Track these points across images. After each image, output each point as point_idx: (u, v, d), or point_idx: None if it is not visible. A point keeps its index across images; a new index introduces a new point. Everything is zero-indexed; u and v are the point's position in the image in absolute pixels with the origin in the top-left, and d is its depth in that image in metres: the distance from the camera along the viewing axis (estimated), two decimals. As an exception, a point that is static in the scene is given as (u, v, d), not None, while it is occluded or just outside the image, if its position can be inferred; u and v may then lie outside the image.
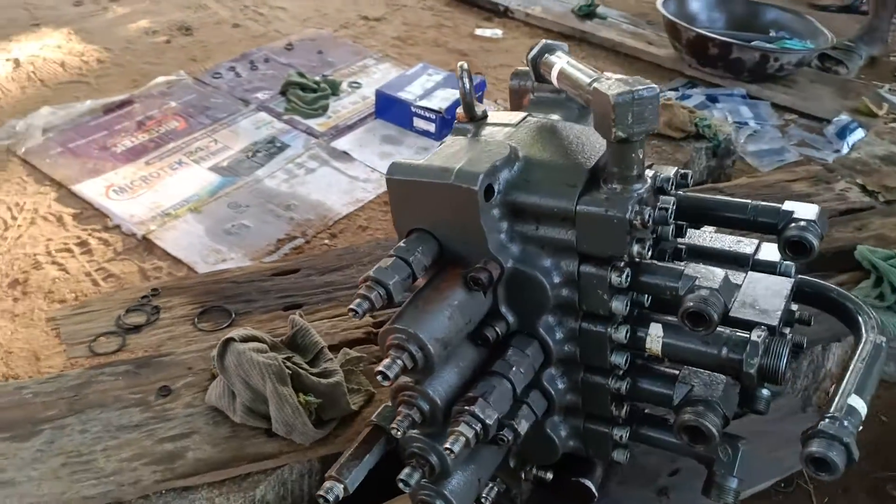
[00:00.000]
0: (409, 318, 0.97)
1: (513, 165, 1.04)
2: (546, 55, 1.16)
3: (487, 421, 0.98)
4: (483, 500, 1.22)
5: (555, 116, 1.22)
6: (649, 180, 1.01)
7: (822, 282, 1.26)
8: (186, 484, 1.35)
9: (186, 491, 1.36)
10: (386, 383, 0.94)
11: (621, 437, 1.16)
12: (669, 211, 1.05)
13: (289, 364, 1.43)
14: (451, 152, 1.06)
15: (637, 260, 1.00)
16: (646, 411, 1.21)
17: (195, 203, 2.54)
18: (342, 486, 1.01)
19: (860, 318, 1.18)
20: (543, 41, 1.19)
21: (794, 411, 1.52)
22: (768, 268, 1.23)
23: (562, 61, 1.11)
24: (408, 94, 3.03)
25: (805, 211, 1.10)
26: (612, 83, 0.95)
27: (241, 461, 1.39)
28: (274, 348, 1.48)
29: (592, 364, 1.10)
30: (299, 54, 3.48)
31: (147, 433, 1.42)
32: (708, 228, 1.34)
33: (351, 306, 0.96)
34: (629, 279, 1.01)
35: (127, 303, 1.74)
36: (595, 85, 0.95)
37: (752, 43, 3.39)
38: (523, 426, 1.08)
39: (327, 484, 1.01)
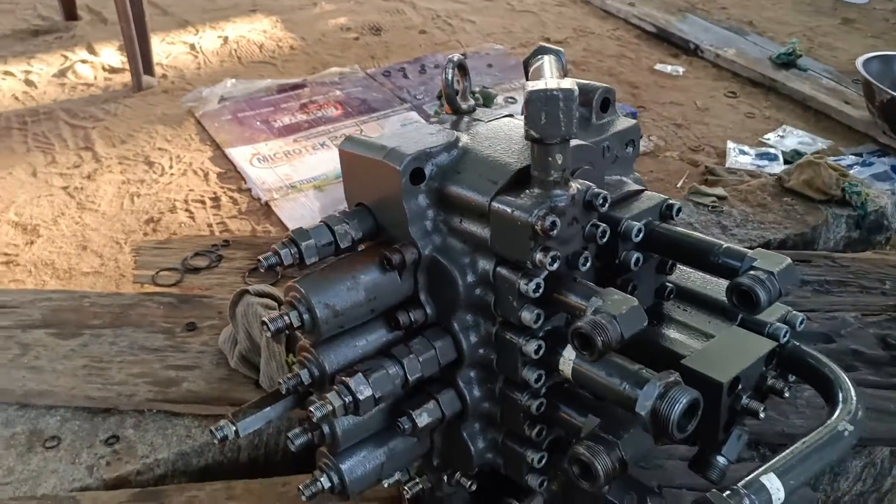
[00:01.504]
0: (309, 280, 1.00)
1: (451, 154, 1.03)
2: (537, 56, 1.13)
3: (359, 395, 0.98)
4: (405, 492, 1.22)
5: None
6: (574, 192, 0.95)
7: (807, 349, 1.10)
8: (173, 409, 1.48)
9: (173, 416, 1.48)
10: (267, 334, 0.98)
11: (534, 460, 1.09)
12: (601, 230, 0.98)
13: (288, 325, 1.50)
14: (402, 133, 1.08)
15: (548, 271, 0.95)
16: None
17: (321, 182, 2.73)
18: (234, 428, 1.06)
19: (839, 396, 1.02)
20: (539, 45, 1.16)
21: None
22: (756, 327, 1.11)
23: (542, 62, 1.08)
24: (553, 114, 3.01)
25: (769, 263, 0.98)
26: (541, 82, 0.91)
27: (224, 403, 1.49)
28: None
29: (507, 375, 1.06)
30: (470, 65, 3.59)
31: (160, 358, 1.57)
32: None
33: (260, 256, 1.01)
34: (540, 290, 0.96)
35: (199, 248, 1.92)
36: (529, 82, 0.92)
37: (959, 116, 2.96)
38: (424, 419, 1.07)
39: (221, 422, 1.06)
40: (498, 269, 1.00)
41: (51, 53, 3.51)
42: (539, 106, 0.88)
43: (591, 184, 0.97)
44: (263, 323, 0.98)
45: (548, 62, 1.08)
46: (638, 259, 1.09)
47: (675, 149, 3.10)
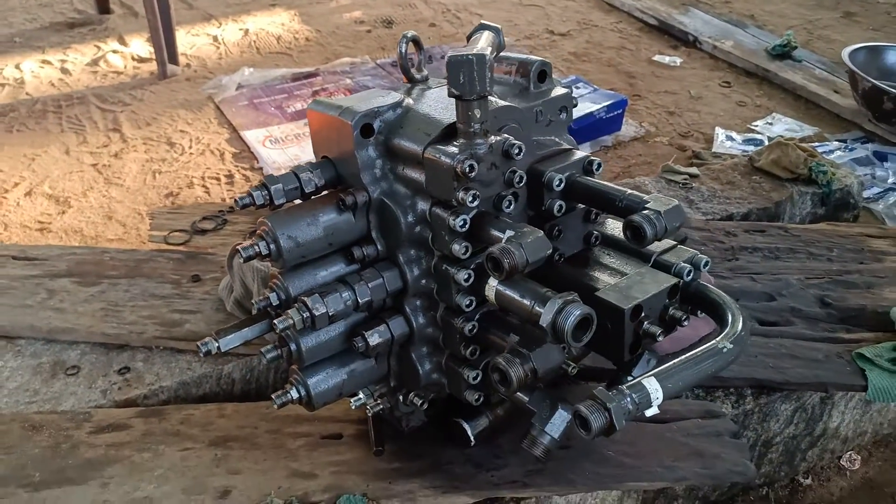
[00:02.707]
0: (276, 216, 1.21)
1: (396, 112, 1.22)
2: (476, 32, 1.32)
3: (314, 312, 1.18)
4: (367, 410, 1.41)
5: (495, 89, 1.37)
6: (493, 142, 1.13)
7: (708, 286, 1.28)
8: (176, 346, 1.70)
9: (177, 352, 1.70)
10: (240, 261, 1.18)
11: (471, 377, 1.28)
12: (517, 176, 1.17)
13: (276, 274, 1.71)
14: (358, 96, 1.27)
15: (470, 208, 1.14)
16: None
17: (327, 161, 2.93)
18: (216, 344, 1.26)
19: (728, 318, 1.20)
20: (480, 22, 1.35)
21: (719, 433, 1.50)
22: (665, 267, 1.29)
23: (479, 36, 1.27)
24: (548, 101, 3.18)
25: (658, 204, 1.16)
26: (464, 48, 1.10)
27: (221, 341, 1.69)
28: (275, 261, 1.77)
29: (445, 303, 1.25)
30: (475, 55, 3.78)
31: (167, 303, 1.79)
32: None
33: (235, 196, 1.21)
34: (466, 225, 1.15)
35: (207, 213, 2.14)
36: (451, 50, 1.11)
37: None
38: (375, 339, 1.26)
39: (206, 339, 1.27)
40: (433, 208, 1.19)
41: (85, 44, 3.77)
42: (457, 67, 1.07)
43: (509, 136, 1.16)
44: (237, 251, 1.18)
45: (484, 36, 1.26)
46: (560, 206, 1.28)
47: (665, 134, 3.25)
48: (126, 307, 1.77)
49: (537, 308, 1.10)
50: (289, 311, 1.19)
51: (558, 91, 1.38)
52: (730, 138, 3.20)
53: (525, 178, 1.18)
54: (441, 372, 1.34)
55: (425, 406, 1.39)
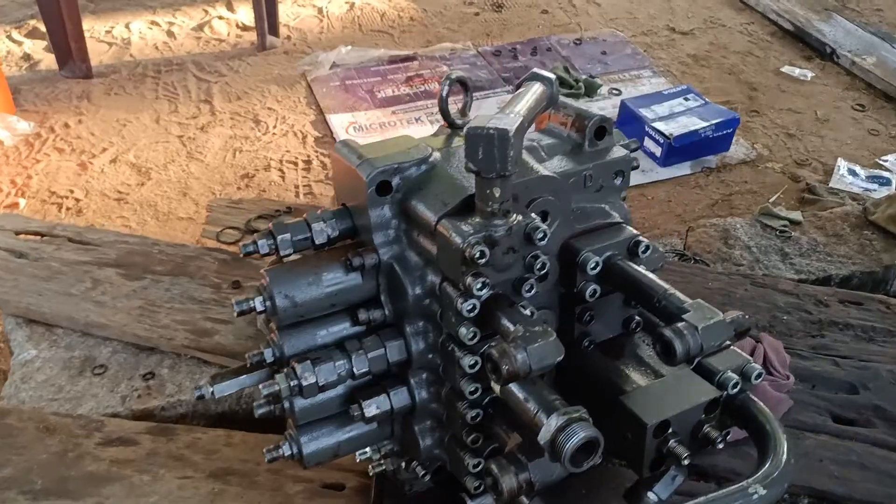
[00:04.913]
0: (276, 271, 1.12)
1: (420, 169, 1.10)
2: (527, 82, 1.17)
3: (303, 381, 1.09)
4: (369, 469, 1.33)
5: (544, 142, 1.23)
6: (513, 223, 0.99)
7: (757, 403, 1.09)
8: (203, 357, 1.66)
9: (203, 363, 1.67)
10: (235, 314, 1.11)
11: (471, 465, 1.16)
12: (539, 263, 1.02)
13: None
14: (385, 143, 1.15)
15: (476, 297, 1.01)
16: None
17: (406, 156, 2.84)
18: (211, 389, 1.20)
19: (770, 451, 1.03)
20: (533, 70, 1.19)
21: None
22: (708, 373, 1.12)
23: (524, 91, 1.12)
24: (650, 112, 2.96)
25: (698, 316, 0.99)
26: (486, 118, 0.96)
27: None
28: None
29: (451, 383, 1.13)
30: (582, 50, 3.56)
31: (203, 309, 1.76)
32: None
33: (241, 243, 1.13)
34: (475, 311, 1.02)
35: (264, 211, 2.09)
36: (474, 119, 0.97)
37: None
38: (372, 409, 1.16)
39: (202, 382, 1.21)
40: (443, 284, 1.07)
41: (195, 7, 3.81)
42: (476, 142, 0.93)
43: (534, 218, 1.01)
44: (233, 304, 1.11)
45: (530, 92, 1.11)
46: (595, 291, 1.13)
47: (778, 160, 2.95)
48: (162, 308, 1.75)
49: (540, 417, 0.97)
50: (276, 377, 1.10)
51: (617, 153, 1.22)
52: (852, 172, 2.87)
53: (547, 266, 1.04)
54: (443, 449, 1.23)
55: (427, 477, 1.29)
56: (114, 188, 2.64)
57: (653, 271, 1.29)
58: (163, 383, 1.62)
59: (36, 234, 1.96)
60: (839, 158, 2.93)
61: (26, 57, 3.34)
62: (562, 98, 1.28)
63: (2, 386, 1.65)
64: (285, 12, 3.76)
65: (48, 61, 3.27)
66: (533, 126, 1.37)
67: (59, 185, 2.64)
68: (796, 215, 2.24)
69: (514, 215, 1.00)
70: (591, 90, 3.24)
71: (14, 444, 1.45)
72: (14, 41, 3.44)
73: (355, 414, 1.17)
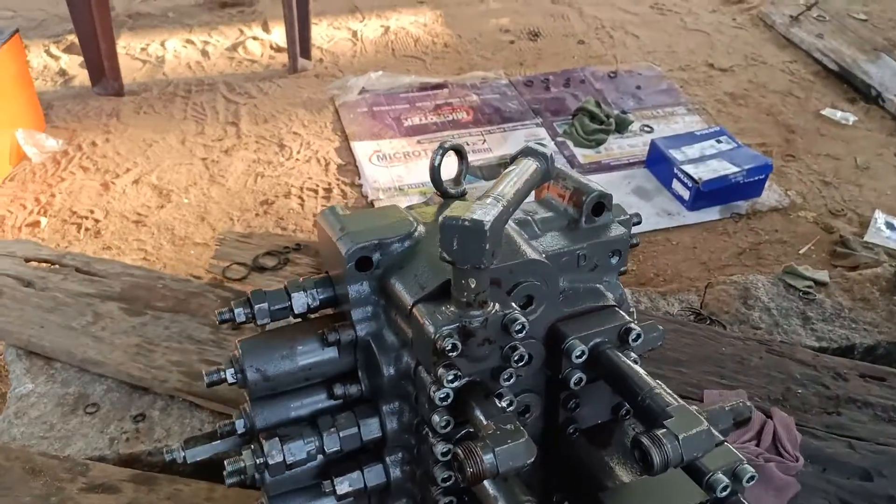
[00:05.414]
0: (249, 343, 1.09)
1: (403, 245, 1.06)
2: (519, 158, 1.12)
3: (269, 459, 1.05)
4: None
5: (539, 216, 1.18)
6: (490, 315, 0.95)
7: (744, 513, 1.03)
8: (195, 401, 1.64)
9: (195, 407, 1.65)
10: (206, 384, 1.08)
11: (445, 551, 1.12)
12: (518, 355, 0.97)
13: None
14: (372, 214, 1.12)
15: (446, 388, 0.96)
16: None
17: (427, 188, 2.81)
18: (183, 454, 1.17)
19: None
20: (527, 145, 1.14)
21: None
22: (697, 473, 1.05)
23: (513, 170, 1.07)
24: (681, 153, 2.88)
25: (680, 424, 0.92)
26: (465, 205, 0.92)
27: (237, 405, 1.62)
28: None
29: (424, 469, 1.09)
30: (617, 83, 3.49)
31: (199, 350, 1.74)
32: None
33: (217, 310, 1.10)
34: (448, 400, 0.98)
35: (272, 247, 2.08)
36: (448, 210, 0.92)
37: None
38: (344, 487, 1.13)
39: (174, 446, 1.18)
40: (418, 368, 1.02)
41: (230, 26, 3.84)
42: (450, 233, 0.89)
43: (512, 310, 0.96)
44: (205, 373, 1.08)
45: (520, 171, 1.06)
46: (580, 379, 1.08)
47: (812, 209, 2.85)
48: (159, 348, 1.73)
49: (505, 517, 0.92)
50: (243, 452, 1.07)
51: (615, 231, 1.17)
52: (890, 226, 2.75)
53: (525, 358, 0.99)
54: (420, 529, 1.19)
55: (403, 552, 1.25)
56: (133, 210, 2.66)
57: (651, 350, 1.24)
58: (152, 426, 1.61)
59: (46, 262, 1.97)
60: (877, 210, 2.81)
61: (62, 72, 3.40)
62: (561, 168, 1.24)
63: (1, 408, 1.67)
64: (320, 34, 3.77)
65: (82, 77, 3.32)
66: (532, 195, 1.33)
67: (80, 204, 2.67)
68: (822, 275, 2.14)
69: (492, 305, 0.96)
70: (622, 126, 3.17)
71: (0, 483, 1.45)
72: (52, 56, 3.51)
73: (327, 490, 1.14)
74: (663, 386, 1.01)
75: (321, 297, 1.13)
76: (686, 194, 2.79)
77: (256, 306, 1.10)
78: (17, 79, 2.80)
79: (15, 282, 1.89)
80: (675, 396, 1.02)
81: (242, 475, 1.15)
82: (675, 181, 2.84)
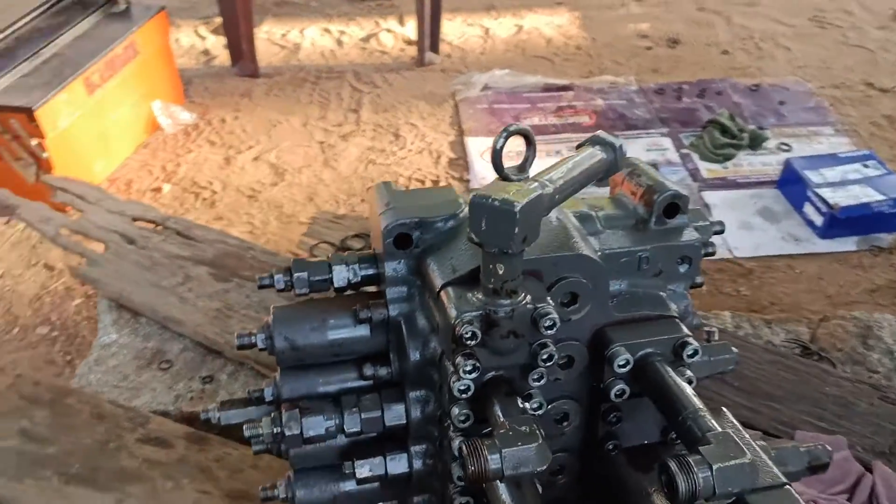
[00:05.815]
0: (286, 310, 1.07)
1: (446, 225, 1.01)
2: (586, 145, 1.03)
3: (286, 431, 1.02)
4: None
5: (604, 212, 1.09)
6: (518, 307, 0.87)
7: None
8: (260, 370, 1.66)
9: (260, 375, 1.66)
10: (235, 347, 1.07)
11: (461, 554, 1.05)
12: (547, 354, 0.89)
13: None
14: (423, 193, 1.07)
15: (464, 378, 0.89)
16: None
17: (535, 190, 2.72)
18: (218, 416, 1.17)
19: None
20: (597, 133, 1.05)
21: None
22: None
23: (576, 156, 0.99)
24: (817, 175, 2.64)
25: (719, 451, 0.81)
26: (503, 185, 0.86)
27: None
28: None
29: (444, 463, 1.02)
30: (757, 98, 3.26)
31: (273, 322, 1.75)
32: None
33: (258, 275, 1.09)
34: (468, 392, 0.91)
35: (362, 229, 2.07)
36: (481, 188, 0.86)
37: None
38: (364, 471, 1.08)
39: (211, 406, 1.18)
40: (443, 356, 0.96)
41: (368, 18, 3.92)
42: (479, 212, 0.83)
43: (544, 305, 0.88)
44: (237, 335, 1.07)
45: (577, 159, 0.99)
46: (622, 391, 0.98)
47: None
48: (237, 314, 1.77)
49: (510, 516, 0.85)
50: (262, 419, 1.05)
51: (688, 235, 1.06)
52: None
53: (555, 357, 0.90)
54: (442, 527, 1.12)
55: (428, 552, 1.19)
56: (249, 185, 2.75)
57: (720, 373, 1.12)
58: (218, 389, 1.64)
59: (151, 222, 2.07)
60: None
61: (206, 52, 3.59)
62: (640, 164, 1.14)
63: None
64: (453, 30, 3.77)
65: (223, 58, 3.49)
66: (608, 189, 1.24)
67: (202, 175, 2.80)
68: (965, 323, 1.87)
69: (523, 296, 0.88)
70: (756, 142, 2.95)
71: (67, 424, 1.52)
72: (199, 35, 3.71)
73: (347, 471, 1.09)
74: (707, 412, 0.89)
75: (363, 272, 1.09)
76: (818, 220, 2.55)
77: (296, 275, 1.07)
78: (160, 53, 2.98)
79: (120, 238, 1.99)
80: (731, 423, 0.90)
81: (264, 443, 1.13)
82: (807, 204, 2.60)
